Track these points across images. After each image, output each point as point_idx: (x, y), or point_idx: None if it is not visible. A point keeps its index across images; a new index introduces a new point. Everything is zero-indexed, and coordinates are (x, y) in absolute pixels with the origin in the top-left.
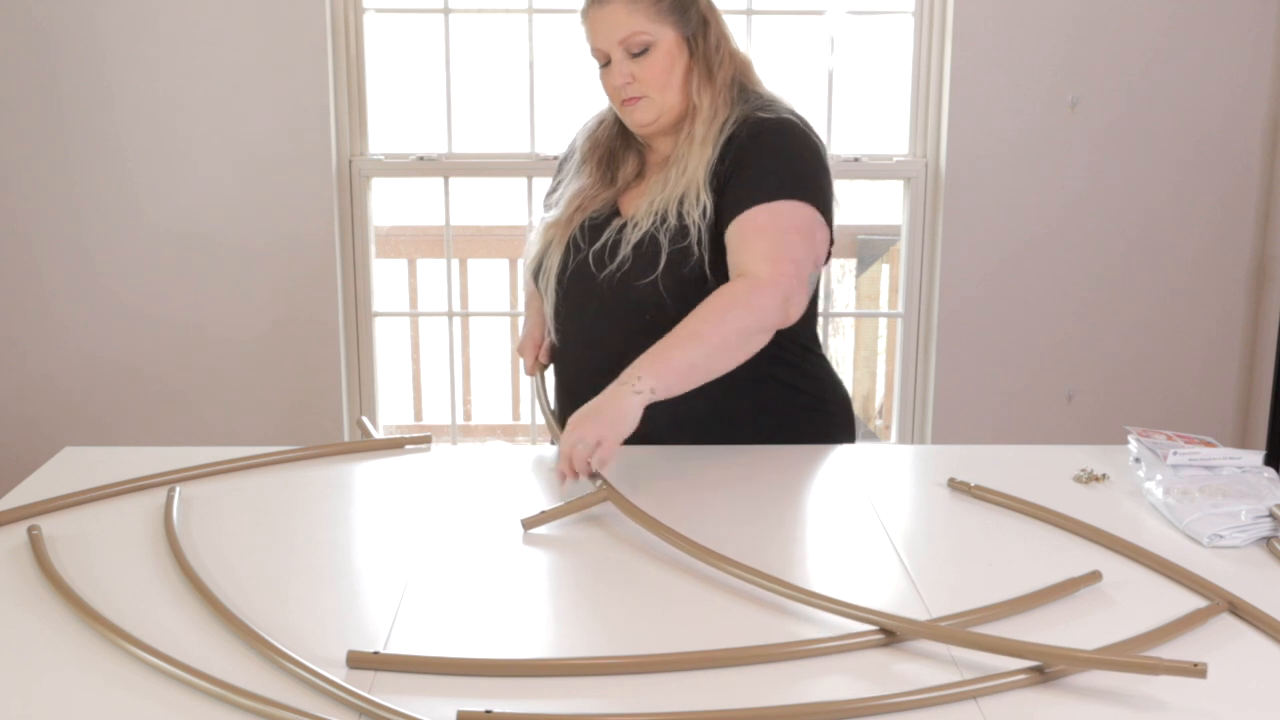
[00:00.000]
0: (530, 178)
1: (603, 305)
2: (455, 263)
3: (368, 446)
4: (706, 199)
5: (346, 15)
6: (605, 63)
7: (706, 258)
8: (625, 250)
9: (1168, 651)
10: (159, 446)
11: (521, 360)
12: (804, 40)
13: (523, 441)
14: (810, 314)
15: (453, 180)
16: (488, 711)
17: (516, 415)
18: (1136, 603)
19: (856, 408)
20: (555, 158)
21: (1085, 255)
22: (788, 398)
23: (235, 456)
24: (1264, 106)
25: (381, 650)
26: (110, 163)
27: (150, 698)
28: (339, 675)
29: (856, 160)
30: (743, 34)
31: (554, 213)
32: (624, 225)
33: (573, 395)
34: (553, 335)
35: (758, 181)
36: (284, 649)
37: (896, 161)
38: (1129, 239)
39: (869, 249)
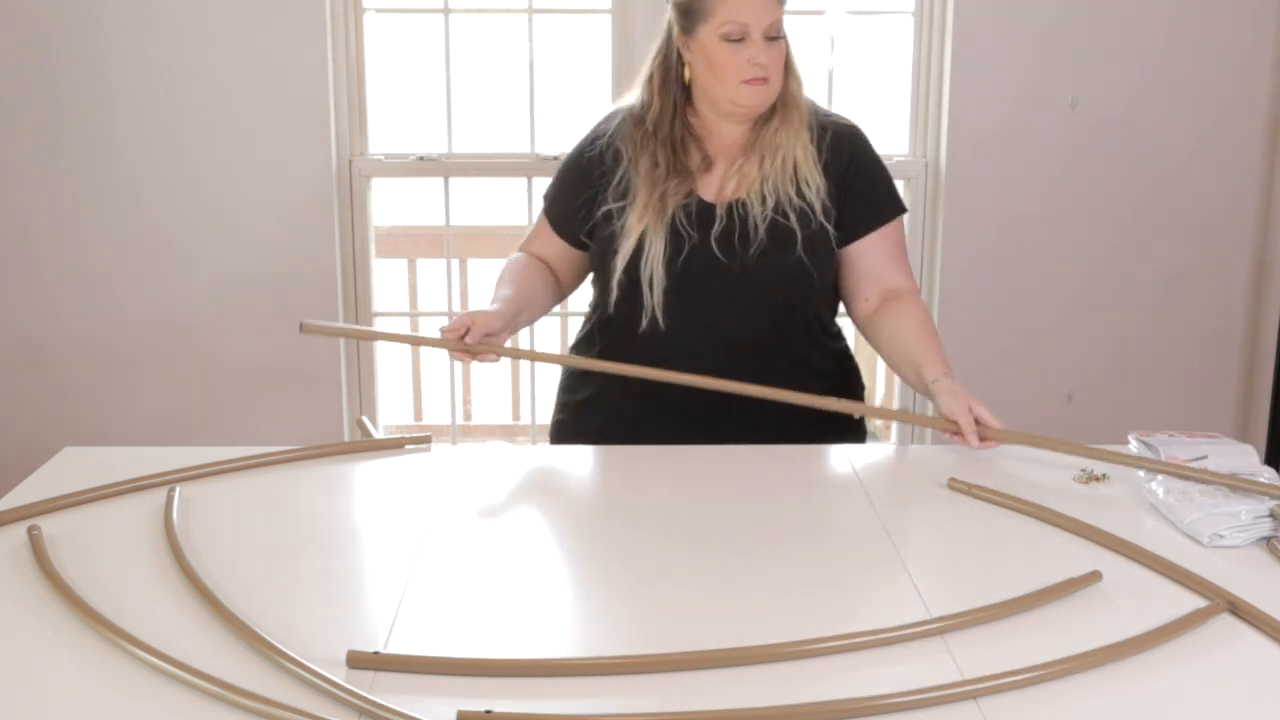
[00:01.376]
0: (530, 178)
1: (736, 287)
2: (455, 263)
3: (368, 446)
4: (820, 181)
5: (346, 15)
6: (739, 39)
7: (831, 230)
8: (760, 232)
9: (1168, 651)
10: (159, 446)
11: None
12: (804, 40)
13: (523, 441)
14: (836, 303)
15: (453, 180)
16: (488, 711)
17: (516, 415)
18: (1136, 603)
19: None
20: (555, 158)
21: (1085, 255)
22: (816, 384)
23: (235, 456)
24: (1264, 106)
25: (381, 650)
26: (110, 163)
27: (150, 698)
28: (339, 675)
29: None
30: None
31: (636, 203)
32: (734, 207)
33: (682, 368)
34: (661, 322)
35: (884, 194)
36: (284, 649)
37: (896, 161)
38: (1129, 239)
39: None
